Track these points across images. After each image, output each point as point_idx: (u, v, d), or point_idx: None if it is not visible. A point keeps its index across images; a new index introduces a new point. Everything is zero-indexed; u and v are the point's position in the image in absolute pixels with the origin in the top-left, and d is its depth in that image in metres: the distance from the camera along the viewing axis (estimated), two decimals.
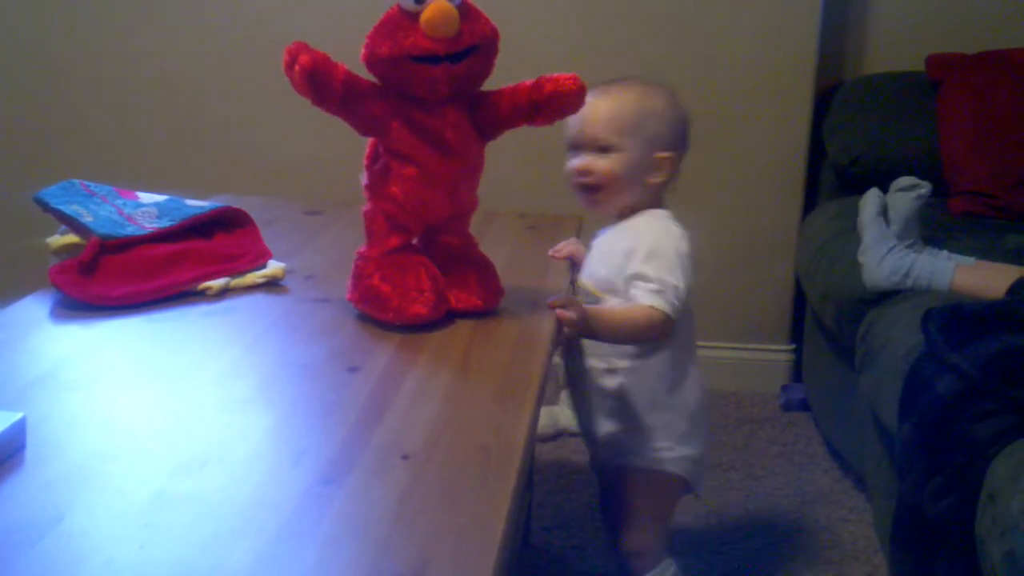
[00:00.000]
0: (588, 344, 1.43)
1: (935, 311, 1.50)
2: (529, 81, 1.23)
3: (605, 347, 1.42)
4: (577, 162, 1.41)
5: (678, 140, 1.44)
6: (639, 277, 1.36)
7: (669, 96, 1.45)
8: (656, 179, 1.42)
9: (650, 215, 1.42)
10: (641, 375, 1.43)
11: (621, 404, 1.45)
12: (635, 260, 1.37)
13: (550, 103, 1.22)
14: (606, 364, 1.44)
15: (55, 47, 2.56)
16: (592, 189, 1.41)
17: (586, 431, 1.52)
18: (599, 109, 1.38)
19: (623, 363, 1.43)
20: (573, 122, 1.38)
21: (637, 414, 1.44)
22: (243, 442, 0.93)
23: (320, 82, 1.15)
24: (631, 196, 1.42)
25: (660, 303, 1.33)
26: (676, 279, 1.34)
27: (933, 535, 1.43)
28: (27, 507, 0.81)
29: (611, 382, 1.44)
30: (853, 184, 2.35)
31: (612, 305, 1.39)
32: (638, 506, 1.48)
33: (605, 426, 1.47)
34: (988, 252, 1.88)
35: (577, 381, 1.49)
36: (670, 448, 1.45)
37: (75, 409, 0.99)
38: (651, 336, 1.38)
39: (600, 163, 1.39)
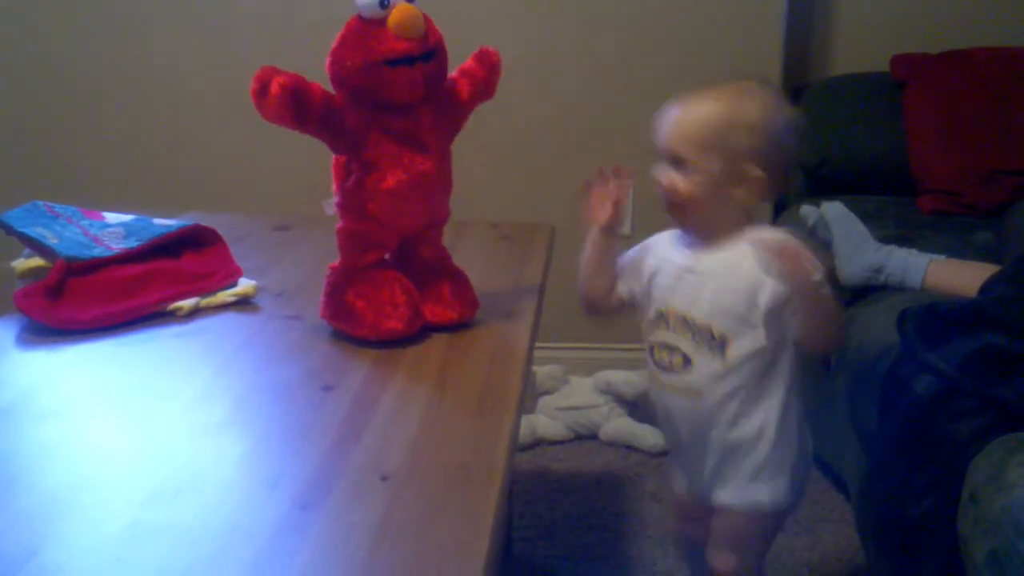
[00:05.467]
0: None
1: (911, 311, 1.51)
2: (467, 61, 1.28)
3: None
4: (659, 175, 1.28)
5: (775, 153, 1.26)
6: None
7: (769, 103, 1.28)
8: (746, 198, 1.26)
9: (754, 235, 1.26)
10: None
11: None
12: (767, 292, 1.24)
13: (496, 68, 1.28)
14: None
15: (17, 66, 2.52)
16: (675, 205, 1.28)
17: None
18: (680, 119, 1.27)
19: None
20: (657, 130, 1.29)
21: None
22: (217, 467, 0.92)
23: (301, 102, 1.14)
24: (718, 216, 1.27)
25: None
26: None
27: (914, 535, 1.43)
28: None
29: None
30: (822, 185, 2.36)
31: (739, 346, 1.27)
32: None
33: None
34: (957, 249, 1.90)
35: None
36: None
37: (45, 439, 0.97)
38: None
39: (679, 181, 1.26)
